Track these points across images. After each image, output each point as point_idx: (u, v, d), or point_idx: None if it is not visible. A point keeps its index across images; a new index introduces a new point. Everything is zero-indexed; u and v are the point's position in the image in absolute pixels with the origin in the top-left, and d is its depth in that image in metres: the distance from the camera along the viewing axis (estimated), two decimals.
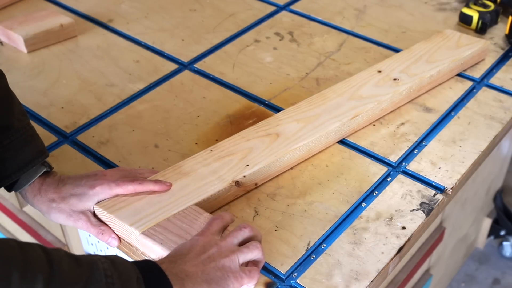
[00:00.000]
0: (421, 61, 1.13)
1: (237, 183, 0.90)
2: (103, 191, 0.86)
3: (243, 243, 0.80)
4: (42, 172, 0.88)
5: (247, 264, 0.80)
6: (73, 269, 0.63)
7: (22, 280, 0.57)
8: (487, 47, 1.20)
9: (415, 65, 1.12)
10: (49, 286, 0.59)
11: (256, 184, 0.93)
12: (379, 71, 1.11)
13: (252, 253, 0.78)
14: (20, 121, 0.87)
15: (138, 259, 0.86)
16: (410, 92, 1.08)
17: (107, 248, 1.04)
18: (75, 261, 0.64)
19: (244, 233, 0.80)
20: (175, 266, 0.73)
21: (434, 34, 1.23)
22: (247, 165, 0.91)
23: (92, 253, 1.10)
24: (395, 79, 1.08)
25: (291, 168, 0.97)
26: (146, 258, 0.83)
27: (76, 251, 1.20)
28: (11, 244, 0.60)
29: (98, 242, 1.06)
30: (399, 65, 1.12)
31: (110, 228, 0.86)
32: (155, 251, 0.80)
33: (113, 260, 0.68)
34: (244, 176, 0.90)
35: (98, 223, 0.86)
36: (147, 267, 0.71)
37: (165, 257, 0.75)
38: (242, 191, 0.92)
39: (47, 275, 0.60)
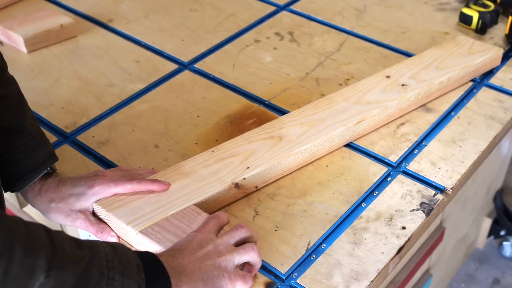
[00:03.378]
0: (431, 67, 1.11)
1: (236, 185, 0.90)
2: (102, 191, 0.86)
3: (240, 243, 0.80)
4: (43, 173, 0.88)
5: (243, 266, 0.80)
6: (75, 250, 0.63)
7: (25, 254, 0.58)
8: (500, 55, 1.18)
9: (425, 71, 1.10)
10: (51, 264, 0.60)
11: (256, 187, 0.93)
12: (388, 76, 1.09)
13: (248, 255, 0.78)
14: (32, 125, 0.88)
15: None
16: (418, 98, 1.07)
17: None
18: (77, 244, 0.65)
19: (241, 233, 0.80)
20: (173, 259, 0.73)
21: (446, 40, 1.22)
22: (248, 168, 0.91)
23: None
24: (403, 85, 1.07)
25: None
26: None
27: None
28: (15, 219, 0.61)
29: None
30: (409, 71, 1.11)
31: (109, 226, 0.86)
32: (152, 250, 0.80)
33: (114, 246, 0.68)
34: (244, 179, 0.90)
35: (97, 222, 0.86)
36: (146, 257, 0.71)
37: (163, 251, 0.76)
38: (242, 193, 0.92)
39: (49, 253, 0.60)
